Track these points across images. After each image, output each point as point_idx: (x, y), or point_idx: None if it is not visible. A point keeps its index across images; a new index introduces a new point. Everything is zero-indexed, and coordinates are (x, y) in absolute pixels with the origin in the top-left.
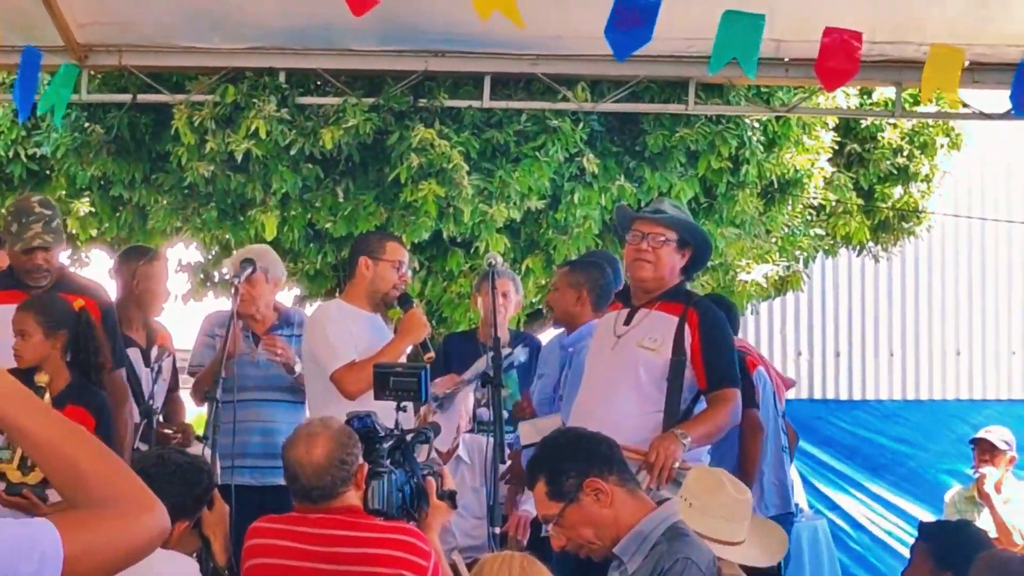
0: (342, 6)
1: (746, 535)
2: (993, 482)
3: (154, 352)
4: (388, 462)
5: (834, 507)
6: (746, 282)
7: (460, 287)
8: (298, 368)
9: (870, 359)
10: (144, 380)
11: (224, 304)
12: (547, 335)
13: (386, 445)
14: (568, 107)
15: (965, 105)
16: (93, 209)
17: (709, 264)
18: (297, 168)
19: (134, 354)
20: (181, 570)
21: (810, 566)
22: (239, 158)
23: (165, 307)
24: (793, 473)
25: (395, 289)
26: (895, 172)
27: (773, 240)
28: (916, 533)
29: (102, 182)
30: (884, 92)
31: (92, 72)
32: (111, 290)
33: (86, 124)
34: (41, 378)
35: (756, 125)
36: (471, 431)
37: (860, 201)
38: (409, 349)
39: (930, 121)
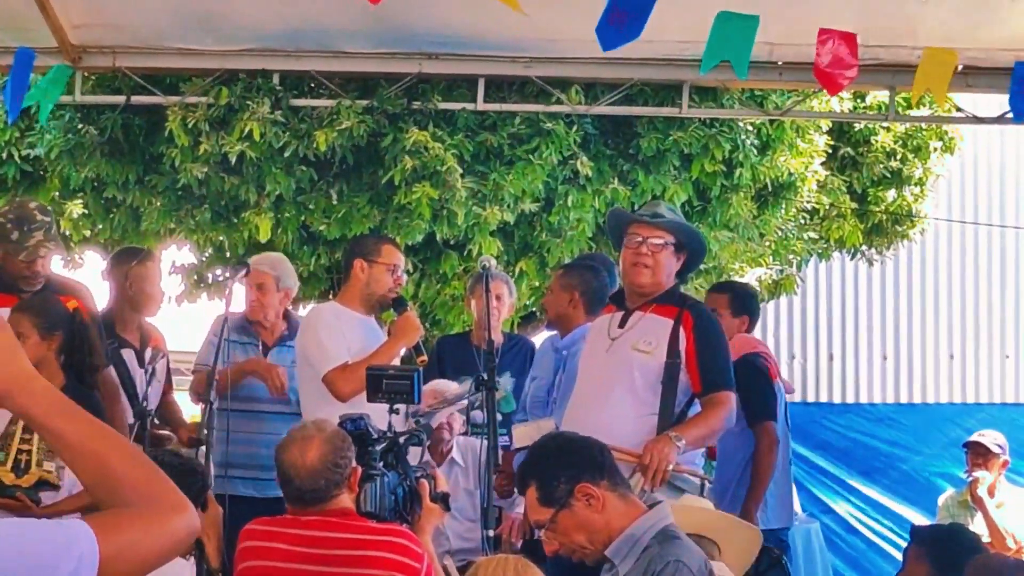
0: (336, 8)
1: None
2: (986, 486)
3: (148, 353)
4: (381, 464)
5: (827, 510)
6: None
7: (454, 290)
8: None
9: (863, 362)
10: (138, 381)
11: (220, 306)
12: (540, 337)
13: (379, 448)
14: (562, 110)
15: (958, 109)
16: (86, 210)
17: (702, 267)
18: (291, 170)
19: (128, 355)
20: (175, 572)
21: (803, 570)
22: (233, 160)
23: (159, 308)
24: None
25: (390, 292)
26: (888, 176)
27: (767, 243)
28: (909, 537)
29: (95, 183)
30: (877, 96)
31: (86, 73)
32: (104, 292)
33: (80, 125)
34: None
35: (750, 128)
36: (465, 434)
37: (853, 204)
38: (403, 352)
39: (923, 125)
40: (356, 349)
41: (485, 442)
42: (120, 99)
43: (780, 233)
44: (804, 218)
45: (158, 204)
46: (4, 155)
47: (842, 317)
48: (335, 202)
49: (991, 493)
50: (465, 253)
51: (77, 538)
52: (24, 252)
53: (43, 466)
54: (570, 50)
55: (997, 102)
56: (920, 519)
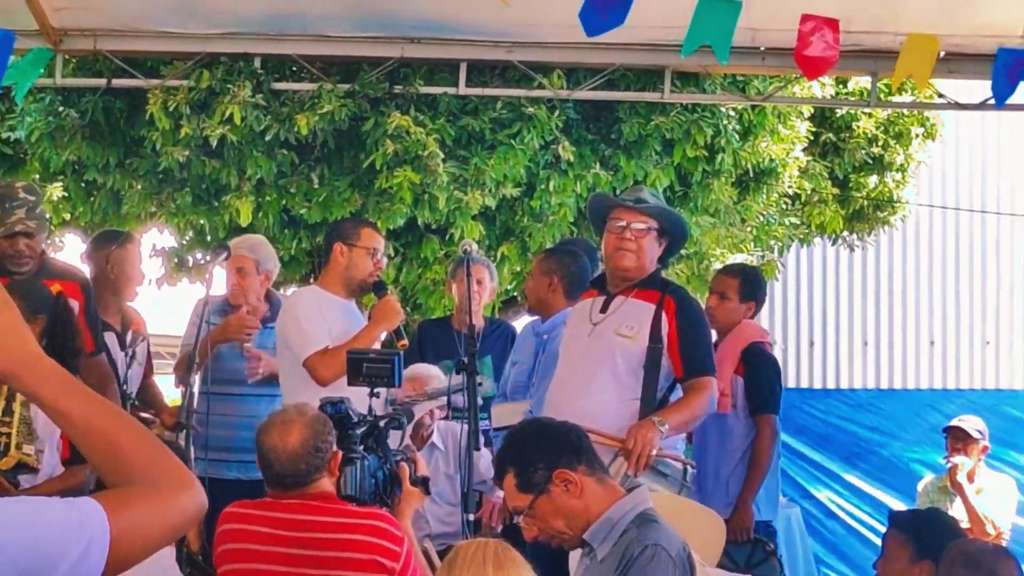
0: None
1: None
2: (966, 471)
3: (129, 336)
4: (361, 448)
5: (807, 496)
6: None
7: (435, 274)
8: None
9: (844, 348)
10: (120, 365)
11: (200, 289)
12: (521, 322)
13: (359, 431)
14: (544, 95)
15: (940, 95)
16: (67, 193)
17: (684, 253)
18: (272, 154)
19: (110, 338)
20: (155, 555)
21: (784, 555)
22: (214, 143)
23: (139, 292)
24: None
25: (370, 276)
26: (870, 162)
27: (748, 229)
28: (887, 522)
29: (76, 166)
30: (860, 82)
31: (67, 56)
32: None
33: (60, 108)
34: None
35: (732, 114)
36: (445, 418)
37: (835, 190)
38: (384, 336)
39: (905, 111)
40: (337, 333)
41: (465, 426)
42: (101, 82)
43: (761, 219)
44: (785, 204)
45: (139, 187)
46: None
47: (823, 303)
48: (316, 186)
49: (970, 479)
50: (447, 237)
51: (88, 516)
52: (2, 228)
53: (22, 449)
54: (552, 35)
55: (979, 88)
56: (900, 505)
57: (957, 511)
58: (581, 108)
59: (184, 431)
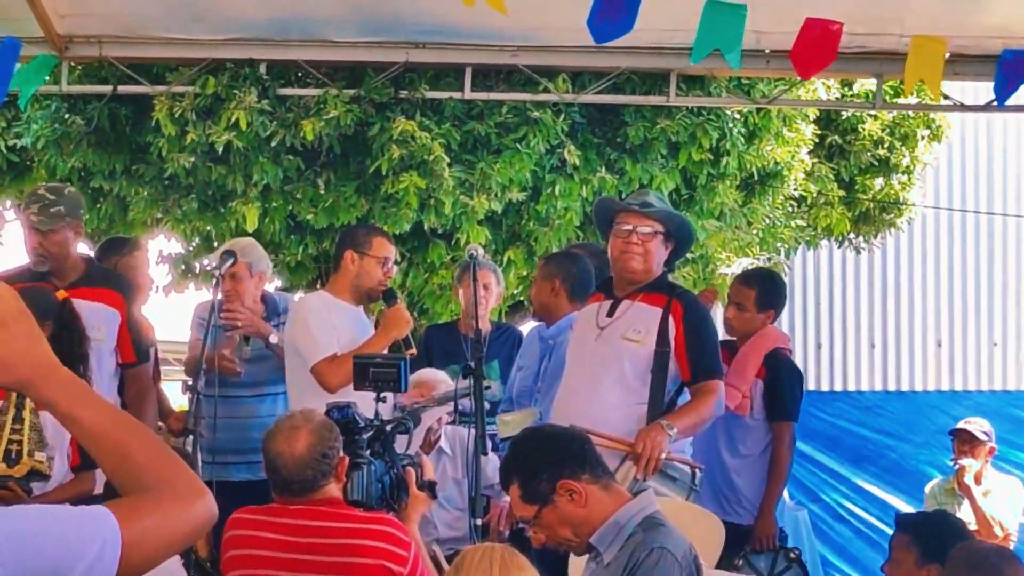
0: None
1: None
2: (973, 473)
3: None
4: (368, 453)
5: (815, 499)
6: (726, 275)
7: (441, 279)
8: (273, 338)
9: (851, 350)
10: None
11: (207, 295)
12: (528, 326)
13: (366, 436)
14: (549, 99)
15: (946, 97)
16: None
17: (689, 256)
18: (278, 159)
19: None
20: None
21: None
22: (220, 149)
23: (147, 298)
24: None
25: (379, 285)
26: (876, 164)
27: (754, 232)
28: (894, 525)
29: (82, 173)
30: (865, 84)
31: (72, 63)
32: None
33: (66, 115)
34: None
35: (737, 117)
36: (452, 422)
37: (841, 193)
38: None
39: (911, 113)
40: (345, 340)
41: (473, 431)
42: (107, 89)
43: (768, 221)
44: (792, 206)
45: (145, 194)
46: None
47: (830, 305)
48: (322, 191)
49: (977, 481)
50: (453, 242)
51: (100, 524)
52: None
53: (34, 456)
54: (557, 39)
55: (984, 90)
56: (908, 507)
57: (965, 513)
58: (586, 112)
59: (192, 436)
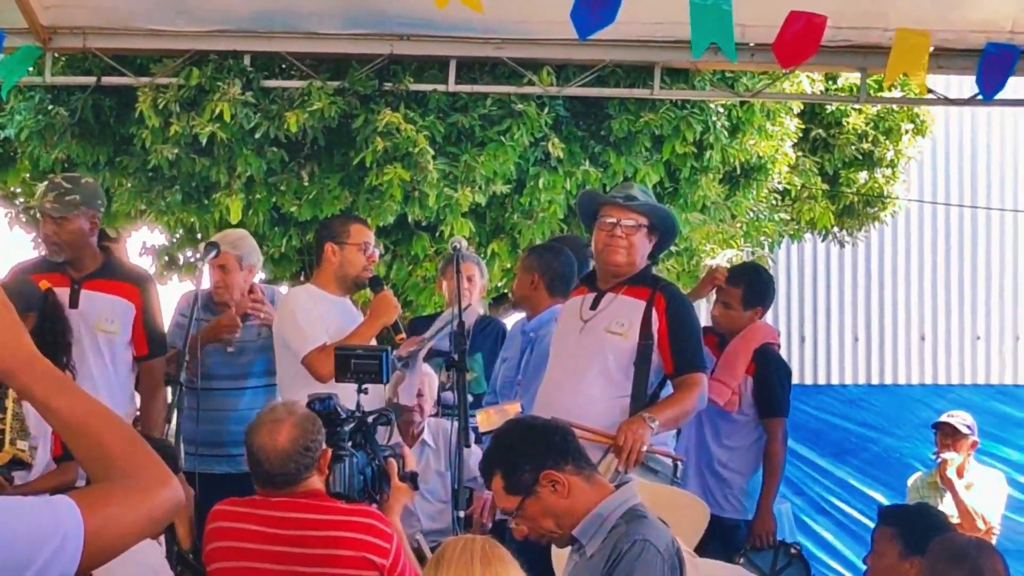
0: None
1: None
2: (955, 467)
3: None
4: (349, 444)
5: (798, 492)
6: (710, 266)
7: (425, 271)
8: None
9: (835, 344)
10: None
11: (190, 287)
12: (512, 319)
13: (347, 428)
14: (533, 91)
15: (930, 91)
16: None
17: (674, 249)
18: (262, 151)
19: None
20: (145, 553)
21: None
22: (204, 141)
23: None
24: None
25: (364, 271)
26: (860, 157)
27: (738, 225)
28: (876, 518)
29: (66, 165)
30: (849, 78)
31: (56, 54)
32: None
33: (50, 106)
34: None
35: (720, 110)
36: (436, 415)
37: (825, 186)
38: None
39: (895, 107)
40: (333, 330)
41: (456, 423)
42: (90, 80)
43: (752, 215)
44: (776, 199)
45: (128, 185)
46: None
47: (813, 299)
48: (306, 183)
49: (960, 474)
50: (437, 234)
51: (62, 513)
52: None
53: (16, 444)
54: (542, 31)
55: (968, 83)
56: (891, 500)
57: (947, 506)
58: (571, 105)
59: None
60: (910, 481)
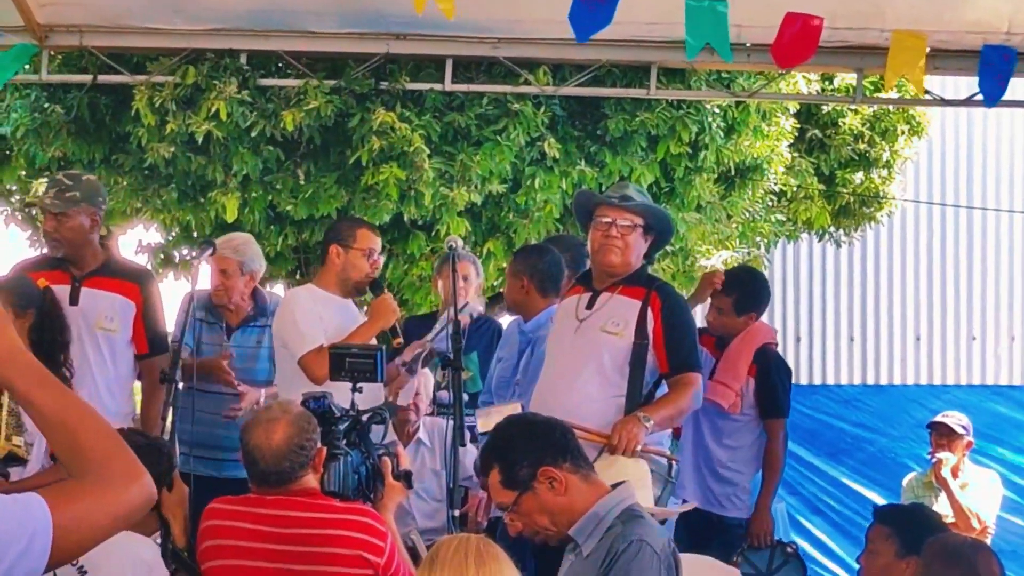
0: None
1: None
2: (950, 467)
3: None
4: (344, 443)
5: (793, 492)
6: (705, 268)
7: (421, 270)
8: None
9: (830, 344)
10: None
11: (186, 286)
12: (507, 318)
13: (342, 426)
14: (529, 91)
15: (926, 91)
16: None
17: (669, 249)
18: (258, 150)
19: None
20: (140, 551)
21: None
22: (200, 140)
23: None
24: None
25: (366, 277)
26: (856, 158)
27: (734, 225)
28: (872, 517)
29: (62, 163)
30: (845, 78)
31: (52, 52)
32: None
33: (46, 104)
34: None
35: (716, 111)
36: (431, 414)
37: (821, 186)
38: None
39: (891, 107)
40: (332, 331)
41: (451, 422)
42: (86, 78)
43: (747, 215)
44: (772, 200)
45: (124, 183)
46: None
47: (809, 299)
48: (302, 182)
49: (955, 474)
50: (433, 234)
51: (30, 510)
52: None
53: (12, 440)
54: (538, 31)
55: (964, 84)
56: (885, 500)
57: (942, 506)
58: (567, 104)
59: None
60: (905, 481)
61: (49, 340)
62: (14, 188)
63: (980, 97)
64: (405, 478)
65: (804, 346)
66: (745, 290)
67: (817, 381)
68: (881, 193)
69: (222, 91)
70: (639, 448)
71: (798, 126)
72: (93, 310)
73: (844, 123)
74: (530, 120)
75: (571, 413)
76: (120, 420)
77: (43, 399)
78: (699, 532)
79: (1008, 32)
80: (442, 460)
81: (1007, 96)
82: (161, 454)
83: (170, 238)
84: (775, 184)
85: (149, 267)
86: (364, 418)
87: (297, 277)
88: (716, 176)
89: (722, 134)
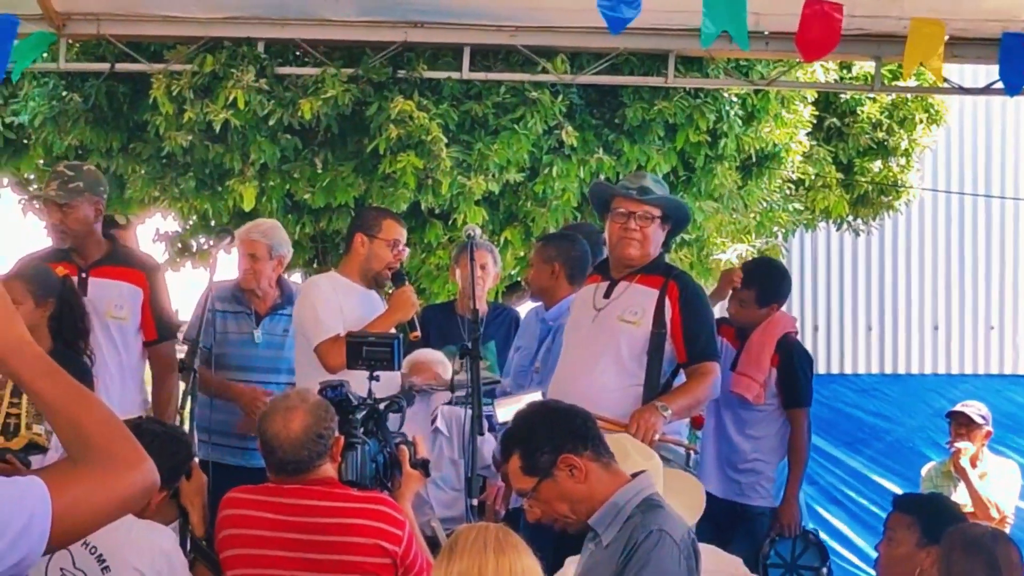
0: None
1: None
2: (969, 456)
3: None
4: (361, 432)
5: (810, 482)
6: (720, 261)
7: (438, 259)
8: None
9: (848, 333)
10: None
11: (203, 275)
12: (525, 307)
13: (359, 415)
14: (547, 79)
15: (945, 80)
16: None
17: (686, 239)
18: (275, 139)
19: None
20: (159, 540)
21: None
22: (217, 128)
23: None
24: None
25: (388, 268)
26: (874, 146)
27: (751, 215)
28: (891, 507)
29: (79, 151)
30: (864, 66)
31: (70, 41)
32: None
33: (64, 93)
34: None
35: (734, 99)
36: (449, 403)
37: (839, 175)
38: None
39: (909, 96)
40: (352, 320)
41: (469, 411)
42: (104, 67)
43: (765, 204)
44: (790, 189)
45: (142, 172)
46: None
47: (827, 287)
48: (320, 171)
49: (973, 463)
50: (450, 222)
51: (30, 492)
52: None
53: (32, 429)
54: (556, 19)
55: (983, 72)
56: (904, 490)
57: (961, 496)
58: (585, 93)
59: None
60: (924, 471)
61: (69, 328)
62: (32, 177)
63: (999, 85)
64: (423, 467)
65: (822, 335)
66: (766, 282)
67: (835, 370)
68: (899, 182)
69: (240, 79)
70: (657, 437)
71: (816, 114)
72: (102, 299)
73: (862, 111)
74: (548, 108)
75: (588, 402)
76: (134, 408)
77: (47, 388)
78: (724, 522)
79: None
80: (459, 449)
81: None
82: (179, 443)
83: (187, 227)
84: (793, 173)
85: (166, 256)
86: (381, 407)
87: (315, 266)
88: (737, 164)
89: (741, 122)
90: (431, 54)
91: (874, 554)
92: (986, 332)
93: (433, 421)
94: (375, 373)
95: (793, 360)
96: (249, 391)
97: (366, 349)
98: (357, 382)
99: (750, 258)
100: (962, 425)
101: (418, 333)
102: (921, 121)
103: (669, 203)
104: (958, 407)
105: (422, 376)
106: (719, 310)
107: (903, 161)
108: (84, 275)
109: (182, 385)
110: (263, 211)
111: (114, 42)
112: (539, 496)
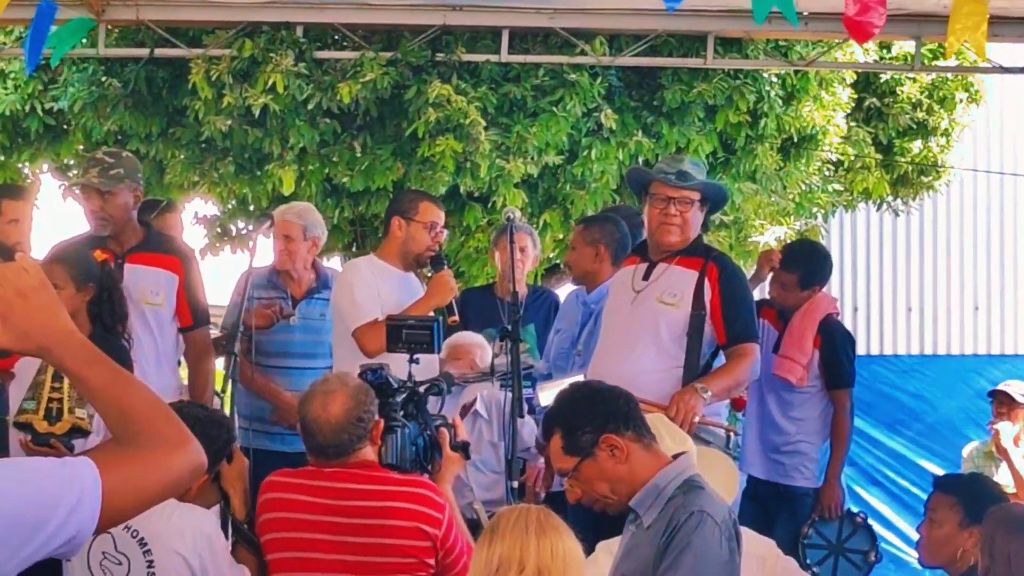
0: None
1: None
2: (1011, 436)
3: None
4: (401, 415)
5: (850, 462)
6: (758, 243)
7: (478, 242)
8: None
9: (888, 314)
10: None
11: (243, 259)
12: (564, 290)
13: (399, 398)
14: (586, 61)
15: (985, 59)
16: None
17: (725, 221)
18: (314, 122)
19: None
20: (200, 523)
21: None
22: (256, 112)
23: None
24: None
25: (427, 251)
26: (914, 126)
27: (791, 196)
28: (932, 487)
29: (119, 136)
30: (903, 46)
31: (109, 26)
32: None
33: (103, 78)
34: None
35: (774, 79)
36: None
37: (879, 156)
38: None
39: (949, 75)
40: (390, 304)
41: (509, 394)
42: (144, 52)
43: (804, 186)
44: (829, 170)
45: (181, 157)
46: (27, 108)
47: (867, 269)
48: (358, 154)
49: (1016, 443)
50: (489, 205)
51: (80, 472)
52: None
53: (75, 413)
54: (594, 1)
55: (1022, 51)
56: (944, 471)
57: (1002, 476)
58: (624, 75)
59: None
60: (965, 451)
61: (108, 313)
62: (71, 162)
63: None
64: (463, 449)
65: (862, 316)
66: (808, 265)
67: (875, 351)
68: (939, 162)
69: (278, 64)
70: (696, 419)
71: (855, 95)
72: (137, 286)
73: (902, 91)
74: (586, 91)
75: (628, 384)
76: (170, 393)
77: (93, 376)
78: (767, 502)
79: None
80: (499, 432)
81: None
82: (221, 427)
83: (227, 211)
84: (832, 154)
85: (206, 240)
86: (421, 390)
87: (353, 249)
88: (778, 144)
89: (781, 102)
90: (469, 37)
91: (915, 535)
92: None
93: (472, 404)
94: (415, 356)
95: (835, 341)
96: (285, 402)
97: (406, 332)
98: (397, 365)
99: (789, 240)
100: (1004, 405)
101: (456, 317)
102: (961, 101)
103: (708, 187)
104: (1000, 387)
105: (460, 361)
106: (759, 292)
107: (943, 141)
108: (120, 261)
109: (219, 370)
110: (302, 195)
111: (153, 27)
112: (580, 476)
